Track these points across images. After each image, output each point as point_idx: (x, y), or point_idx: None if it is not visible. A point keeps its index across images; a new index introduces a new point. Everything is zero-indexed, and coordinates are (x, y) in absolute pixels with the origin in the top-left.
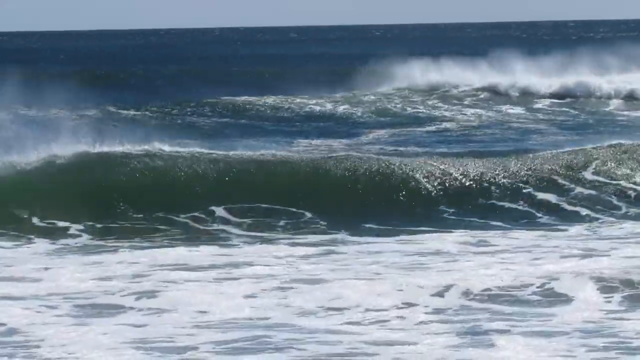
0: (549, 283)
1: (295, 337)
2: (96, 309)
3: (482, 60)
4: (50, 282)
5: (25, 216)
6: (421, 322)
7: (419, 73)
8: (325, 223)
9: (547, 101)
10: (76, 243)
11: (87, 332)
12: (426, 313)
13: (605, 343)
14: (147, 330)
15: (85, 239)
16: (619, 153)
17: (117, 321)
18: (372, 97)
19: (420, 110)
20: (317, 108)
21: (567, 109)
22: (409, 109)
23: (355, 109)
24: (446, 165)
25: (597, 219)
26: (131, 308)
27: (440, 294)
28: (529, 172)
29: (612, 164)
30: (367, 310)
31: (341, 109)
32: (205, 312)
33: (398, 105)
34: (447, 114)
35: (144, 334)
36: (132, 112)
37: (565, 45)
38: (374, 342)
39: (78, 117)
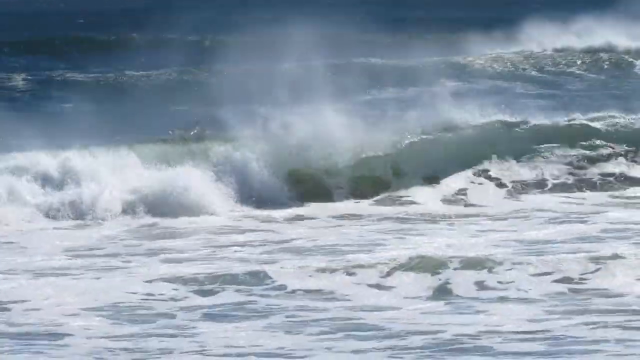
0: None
1: (280, 303)
2: None
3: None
4: None
5: None
6: (406, 288)
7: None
8: None
9: None
10: None
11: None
12: (412, 279)
13: (581, 307)
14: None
15: None
16: None
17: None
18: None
19: None
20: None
21: None
22: None
23: None
24: None
25: None
26: None
27: (427, 261)
28: None
29: None
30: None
31: None
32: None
33: None
34: None
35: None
36: None
37: None
38: (360, 308)
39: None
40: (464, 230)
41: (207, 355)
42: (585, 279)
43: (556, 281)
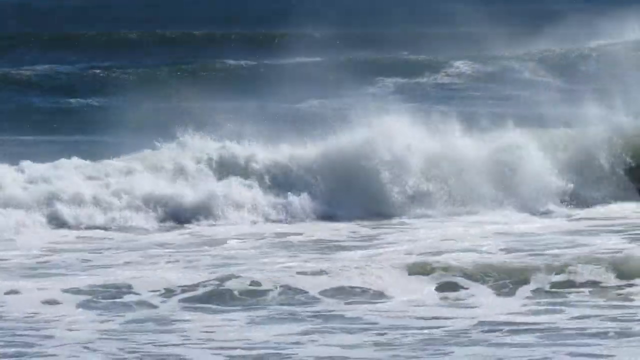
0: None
1: (269, 297)
2: None
3: None
4: None
5: None
6: (397, 281)
7: None
8: None
9: None
10: None
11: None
12: (403, 272)
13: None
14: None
15: None
16: None
17: None
18: None
19: None
20: None
21: None
22: None
23: None
24: None
25: None
26: None
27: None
28: None
29: None
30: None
31: None
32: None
33: None
34: None
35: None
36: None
37: None
38: (350, 301)
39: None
40: None
41: (191, 348)
42: None
43: None
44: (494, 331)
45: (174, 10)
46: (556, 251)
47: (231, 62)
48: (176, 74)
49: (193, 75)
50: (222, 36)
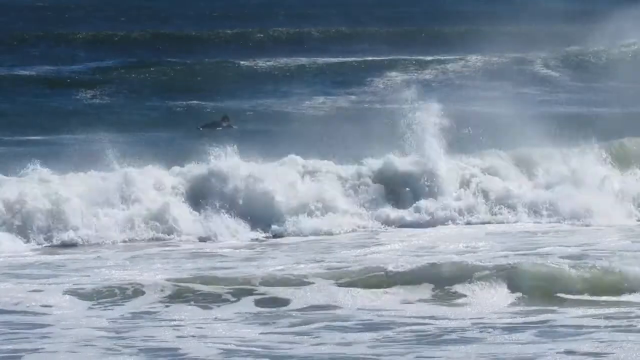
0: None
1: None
2: None
3: None
4: None
5: None
6: (393, 282)
7: None
8: None
9: None
10: None
11: None
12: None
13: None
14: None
15: None
16: None
17: None
18: None
19: None
20: None
21: None
22: None
23: None
24: None
25: None
26: None
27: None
28: None
29: None
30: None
31: None
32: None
33: None
34: None
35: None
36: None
37: None
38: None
39: None
40: None
41: (185, 343)
42: None
43: None
44: (490, 329)
45: (178, 9)
46: (548, 249)
47: (236, 61)
48: (184, 73)
49: (202, 74)
50: (224, 36)
